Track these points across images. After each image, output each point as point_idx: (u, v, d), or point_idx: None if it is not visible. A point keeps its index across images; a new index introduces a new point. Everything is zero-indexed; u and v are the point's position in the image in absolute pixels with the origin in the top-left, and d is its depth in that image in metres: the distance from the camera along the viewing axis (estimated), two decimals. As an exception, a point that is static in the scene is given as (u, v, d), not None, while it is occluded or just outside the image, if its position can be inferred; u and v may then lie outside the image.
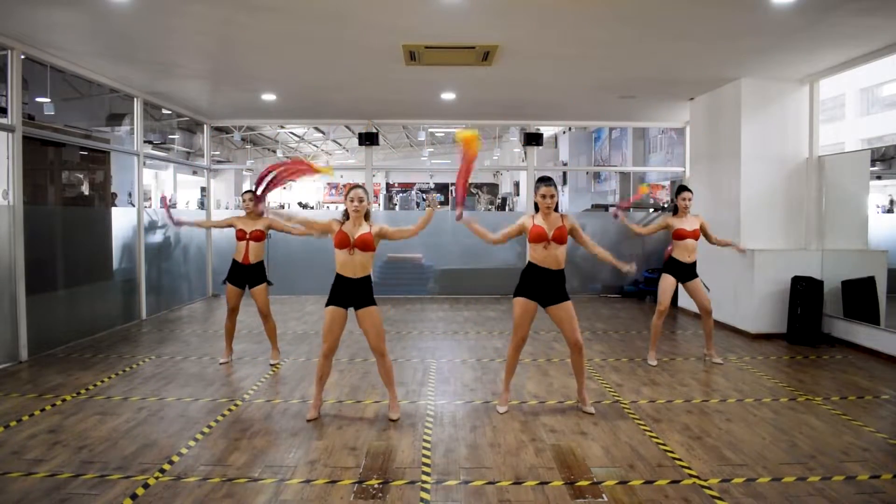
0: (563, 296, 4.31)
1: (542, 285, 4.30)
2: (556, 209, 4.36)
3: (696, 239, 5.73)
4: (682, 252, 5.75)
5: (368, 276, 4.24)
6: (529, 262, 4.39)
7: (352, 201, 4.17)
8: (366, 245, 4.16)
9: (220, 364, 5.81)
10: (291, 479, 3.35)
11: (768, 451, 3.74)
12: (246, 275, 5.66)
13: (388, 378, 4.35)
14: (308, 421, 4.24)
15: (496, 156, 25.05)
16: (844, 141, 16.41)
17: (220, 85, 8.05)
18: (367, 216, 4.26)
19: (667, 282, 5.77)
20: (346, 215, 4.22)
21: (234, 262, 5.68)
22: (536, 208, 4.38)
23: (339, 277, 4.20)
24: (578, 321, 4.39)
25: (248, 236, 5.61)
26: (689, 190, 5.80)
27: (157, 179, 19.66)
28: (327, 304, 4.20)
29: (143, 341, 6.94)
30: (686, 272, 5.75)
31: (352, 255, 4.15)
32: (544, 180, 4.33)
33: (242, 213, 5.80)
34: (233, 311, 5.76)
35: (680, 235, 5.72)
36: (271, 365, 5.80)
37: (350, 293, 4.17)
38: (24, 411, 4.42)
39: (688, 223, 5.73)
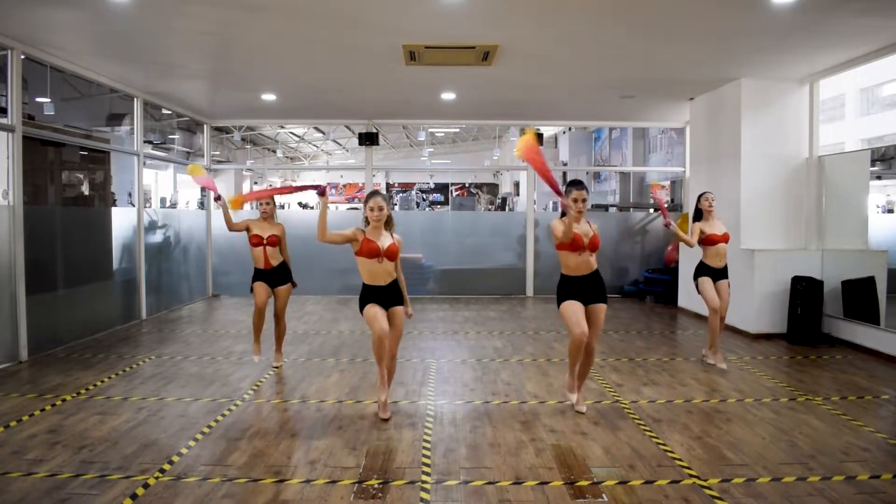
0: (601, 297, 4.29)
1: (582, 289, 4.26)
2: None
3: (727, 242, 5.64)
4: (713, 258, 5.64)
5: (395, 281, 4.25)
6: (563, 275, 4.32)
7: (371, 210, 4.11)
8: (393, 255, 4.17)
9: (256, 362, 5.75)
10: (291, 479, 3.35)
11: (768, 451, 3.74)
12: (270, 277, 5.61)
13: (390, 379, 4.37)
14: (384, 420, 4.25)
15: (496, 156, 25.06)
16: (844, 141, 16.40)
17: (220, 85, 8.05)
18: (388, 223, 4.21)
19: (706, 285, 5.63)
20: (367, 222, 4.16)
21: (256, 269, 5.61)
22: (562, 214, 4.30)
23: (368, 288, 4.17)
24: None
25: (264, 241, 5.55)
26: (711, 192, 5.75)
27: (157, 179, 19.65)
28: (365, 306, 4.16)
29: (143, 341, 6.94)
30: (718, 275, 5.67)
31: (381, 264, 4.13)
32: (575, 184, 4.23)
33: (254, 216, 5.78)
34: (262, 311, 5.63)
35: (712, 241, 5.60)
36: (273, 367, 5.78)
37: (382, 299, 4.17)
38: (24, 411, 4.42)
39: (717, 227, 5.64)
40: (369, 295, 4.18)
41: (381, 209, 4.10)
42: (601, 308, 4.30)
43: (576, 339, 4.20)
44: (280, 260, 5.66)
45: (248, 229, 5.58)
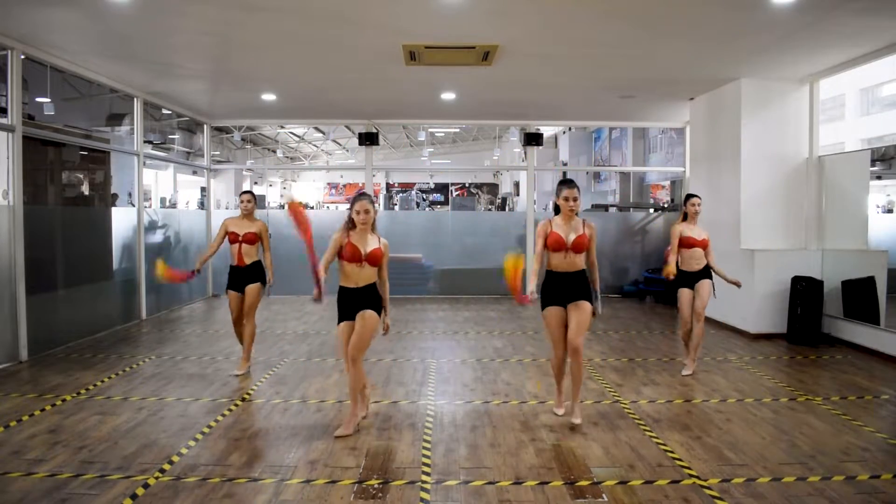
0: (583, 295, 4.20)
1: (562, 288, 4.20)
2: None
3: (705, 248, 5.49)
4: (689, 262, 5.52)
5: (373, 284, 4.12)
6: (548, 271, 4.27)
7: (357, 213, 4.01)
8: (376, 260, 4.05)
9: (235, 376, 5.43)
10: (291, 479, 3.35)
11: (768, 451, 3.74)
12: (243, 277, 5.52)
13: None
14: (336, 437, 3.95)
15: (496, 156, 25.04)
16: (844, 141, 16.38)
17: (220, 85, 8.05)
18: (372, 226, 4.12)
19: (683, 297, 5.52)
20: (352, 223, 4.05)
21: (231, 267, 5.53)
22: (556, 211, 4.27)
23: (342, 290, 4.07)
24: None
25: (240, 239, 5.48)
26: (698, 196, 5.59)
27: (157, 179, 19.65)
28: (339, 321, 4.09)
29: (143, 341, 6.94)
30: (696, 279, 5.52)
31: (361, 269, 4.04)
32: (566, 183, 4.20)
33: (235, 214, 5.71)
34: (238, 319, 5.56)
35: (688, 244, 5.47)
36: (235, 374, 5.44)
37: (355, 302, 4.07)
38: (24, 411, 4.41)
39: (696, 231, 5.51)
40: (342, 298, 4.07)
41: (367, 212, 4.00)
42: (581, 305, 4.15)
43: (554, 358, 4.29)
44: (254, 259, 5.55)
45: (225, 227, 5.51)
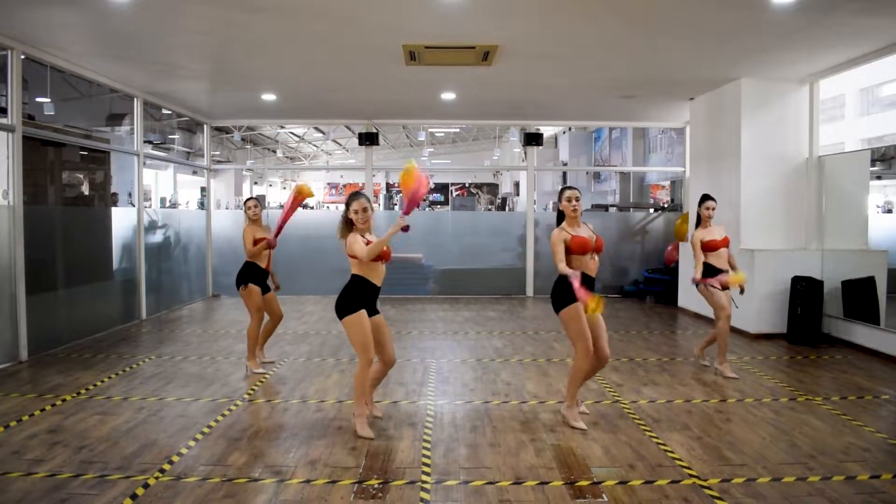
0: None
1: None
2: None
3: (728, 246, 5.46)
4: (716, 260, 5.44)
5: None
6: (562, 276, 4.10)
7: (356, 213, 3.88)
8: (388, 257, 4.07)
9: (255, 373, 5.50)
10: (291, 479, 3.35)
11: (768, 451, 3.74)
12: (265, 278, 5.63)
13: (380, 381, 4.35)
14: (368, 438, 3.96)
15: (496, 156, 25.03)
16: (844, 141, 16.38)
17: (220, 85, 8.05)
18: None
19: (723, 293, 5.41)
20: (350, 224, 3.95)
21: (257, 266, 5.50)
22: (559, 218, 4.21)
23: (369, 286, 3.96)
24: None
25: (273, 241, 5.53)
26: (713, 199, 5.54)
27: (157, 179, 19.64)
28: (356, 310, 3.92)
29: (143, 341, 6.94)
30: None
31: (384, 266, 4.04)
32: (568, 188, 4.19)
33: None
34: (259, 311, 5.53)
35: (712, 247, 5.40)
36: (262, 363, 5.75)
37: (374, 301, 4.05)
38: (24, 411, 4.41)
39: (715, 233, 5.47)
40: (366, 296, 3.94)
41: (365, 211, 3.89)
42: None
43: (588, 350, 4.06)
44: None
45: (253, 234, 5.47)
